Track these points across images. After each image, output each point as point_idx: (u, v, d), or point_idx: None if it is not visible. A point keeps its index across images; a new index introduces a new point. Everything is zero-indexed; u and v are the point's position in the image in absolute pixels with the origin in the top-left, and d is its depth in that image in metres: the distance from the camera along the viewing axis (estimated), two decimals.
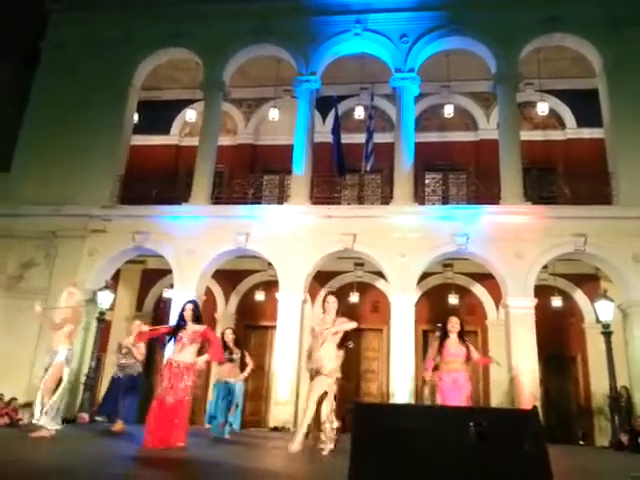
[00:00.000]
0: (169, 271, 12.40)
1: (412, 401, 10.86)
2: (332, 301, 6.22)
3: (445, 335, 7.00)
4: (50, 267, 12.04)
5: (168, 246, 12.08)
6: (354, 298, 13.53)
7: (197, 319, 6.17)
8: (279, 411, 11.00)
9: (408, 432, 2.56)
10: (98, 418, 8.78)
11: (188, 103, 14.90)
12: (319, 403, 5.95)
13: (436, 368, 7.19)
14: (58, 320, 6.58)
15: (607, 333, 10.56)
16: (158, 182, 12.99)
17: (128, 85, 13.48)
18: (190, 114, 14.29)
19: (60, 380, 6.48)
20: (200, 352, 6.24)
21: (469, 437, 2.51)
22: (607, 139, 12.39)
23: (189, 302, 6.32)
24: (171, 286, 12.54)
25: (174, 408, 5.77)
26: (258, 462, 5.65)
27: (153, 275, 14.54)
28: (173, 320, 11.24)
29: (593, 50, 12.47)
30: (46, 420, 6.21)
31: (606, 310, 10.75)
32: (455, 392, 6.68)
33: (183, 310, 6.21)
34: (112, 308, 13.31)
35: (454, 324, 6.99)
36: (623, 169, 11.49)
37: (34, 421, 6.32)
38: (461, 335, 6.97)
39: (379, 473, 2.51)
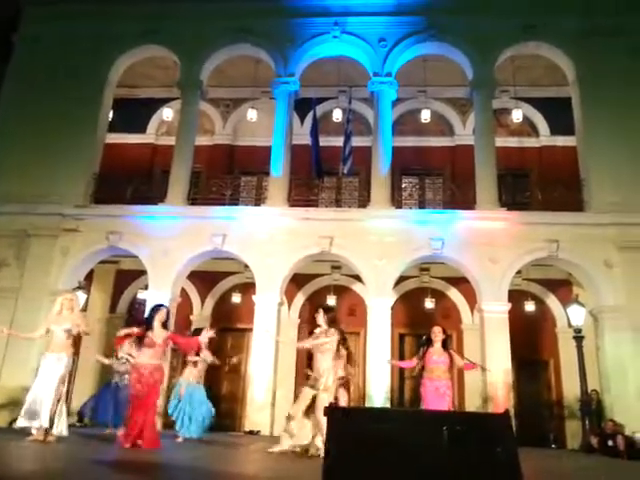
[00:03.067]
0: (144, 272, 12.22)
1: (388, 404, 10.91)
2: (322, 313, 6.59)
3: (429, 344, 7.24)
4: (21, 267, 11.75)
5: (143, 247, 11.91)
6: (331, 301, 13.54)
7: (165, 324, 6.33)
8: (255, 414, 10.93)
9: (382, 436, 2.56)
10: (82, 422, 8.53)
11: (165, 102, 14.77)
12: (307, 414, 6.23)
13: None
14: (69, 326, 6.59)
15: (579, 338, 10.74)
16: (133, 181, 12.82)
17: (104, 82, 13.25)
18: (167, 113, 14.15)
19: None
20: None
21: (442, 441, 2.52)
22: (579, 147, 12.64)
23: (163, 306, 6.47)
24: (146, 287, 12.38)
25: (146, 408, 5.92)
26: (233, 465, 5.60)
27: (127, 276, 14.32)
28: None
29: (566, 59, 12.72)
30: (61, 423, 6.38)
31: (578, 315, 10.94)
32: (437, 399, 6.92)
33: (155, 312, 6.31)
34: (85, 309, 13.10)
35: (437, 333, 7.25)
36: (594, 177, 11.72)
37: (55, 431, 6.32)
38: (445, 344, 7.17)
39: (353, 476, 2.51)
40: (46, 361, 6.55)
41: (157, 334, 6.21)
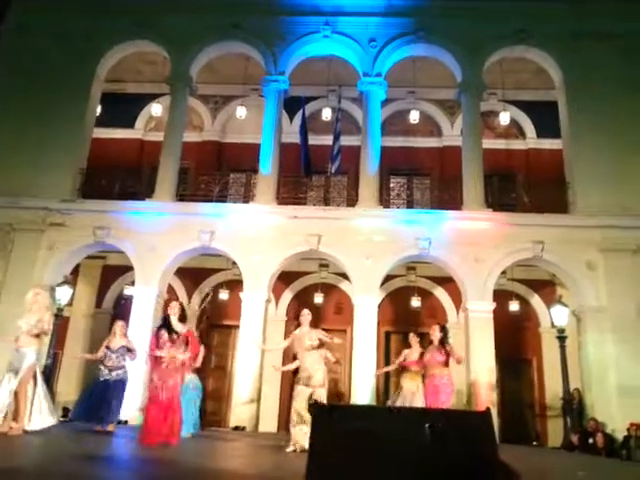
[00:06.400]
0: (130, 268, 12.18)
1: (373, 401, 11.00)
2: (306, 314, 6.88)
3: (429, 343, 7.54)
4: (6, 260, 11.66)
5: (130, 242, 11.87)
6: (318, 299, 13.60)
7: (181, 318, 6.42)
8: (240, 411, 10.95)
9: (366, 433, 2.61)
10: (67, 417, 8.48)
11: (154, 97, 14.63)
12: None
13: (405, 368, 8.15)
14: (33, 322, 6.58)
15: (562, 337, 10.91)
16: (121, 177, 12.77)
17: (92, 76, 13.15)
18: (155, 108, 14.06)
19: (35, 380, 6.61)
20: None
21: (425, 438, 2.58)
22: (565, 150, 12.79)
23: (172, 300, 6.72)
24: (132, 283, 12.33)
25: (167, 405, 6.00)
26: (221, 461, 5.64)
27: (114, 271, 14.25)
28: (134, 317, 11.17)
29: (554, 63, 12.87)
30: (41, 418, 6.39)
31: (561, 315, 11.11)
32: (436, 395, 7.09)
33: (167, 307, 6.47)
34: (71, 304, 13.02)
35: (432, 333, 7.50)
36: (579, 179, 11.89)
37: (27, 427, 6.31)
38: (442, 341, 7.35)
39: (337, 473, 2.56)
40: (14, 355, 6.55)
41: (176, 329, 6.29)
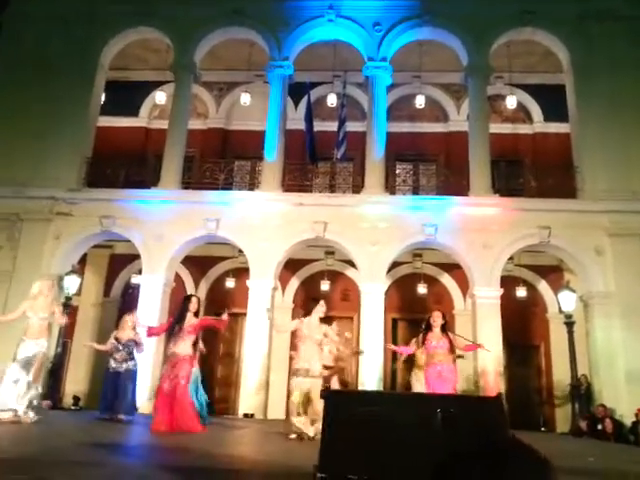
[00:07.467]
0: (137, 256, 12.20)
1: (381, 387, 11.02)
2: (322, 305, 7.02)
3: (428, 329, 7.25)
4: (14, 250, 11.70)
5: (136, 231, 11.88)
6: (324, 286, 13.60)
7: (196, 313, 6.64)
8: (249, 398, 11.01)
9: (378, 418, 2.60)
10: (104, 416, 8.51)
11: (158, 85, 14.59)
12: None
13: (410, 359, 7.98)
14: (47, 314, 6.69)
15: (569, 323, 10.88)
16: (126, 165, 12.75)
17: (96, 64, 13.09)
18: (160, 96, 14.00)
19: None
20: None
21: (436, 423, 2.56)
22: (573, 134, 12.66)
23: (193, 296, 6.83)
24: (139, 272, 12.36)
25: (179, 396, 6.15)
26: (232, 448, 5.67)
27: (121, 260, 14.29)
28: (142, 306, 11.21)
29: (561, 46, 12.69)
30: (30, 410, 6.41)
31: (568, 301, 11.07)
32: (440, 383, 6.97)
33: (188, 302, 6.57)
34: (79, 293, 13.08)
35: (436, 318, 7.27)
36: (587, 164, 11.78)
37: (21, 412, 6.33)
38: (444, 328, 7.22)
39: (349, 457, 2.56)
40: (24, 346, 6.59)
41: (189, 323, 6.46)
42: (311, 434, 6.16)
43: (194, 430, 6.11)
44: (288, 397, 7.46)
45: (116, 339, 8.35)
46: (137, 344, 8.36)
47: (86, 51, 13.03)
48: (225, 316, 6.72)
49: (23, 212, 11.86)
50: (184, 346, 6.38)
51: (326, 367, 7.37)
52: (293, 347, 12.21)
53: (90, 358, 13.38)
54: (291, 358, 7.06)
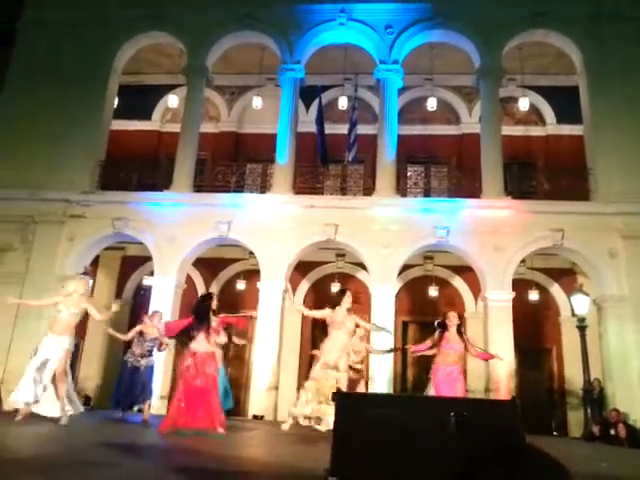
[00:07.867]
0: (149, 258, 12.29)
1: (391, 389, 11.00)
2: (348, 295, 7.15)
3: (444, 329, 7.24)
4: (28, 252, 11.83)
5: (148, 233, 11.96)
6: (335, 289, 13.57)
7: (215, 312, 6.72)
8: (259, 400, 11.03)
9: (389, 421, 2.60)
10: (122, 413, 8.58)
11: (170, 88, 14.70)
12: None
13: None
14: (77, 309, 6.75)
15: (582, 327, 10.78)
16: (139, 168, 12.84)
17: (109, 69, 13.22)
18: (172, 100, 14.10)
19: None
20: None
21: (449, 427, 2.56)
22: (586, 136, 12.57)
23: (212, 294, 6.92)
24: (151, 273, 12.43)
25: (203, 391, 6.19)
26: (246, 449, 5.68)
27: (133, 262, 14.39)
28: (153, 307, 11.25)
29: (574, 47, 12.60)
30: (51, 406, 6.48)
31: (581, 304, 10.97)
32: (449, 384, 6.92)
33: (209, 300, 6.65)
34: (91, 295, 13.17)
35: (452, 318, 7.30)
36: (601, 166, 11.67)
37: (61, 413, 6.40)
38: (459, 329, 7.21)
39: (361, 461, 2.56)
40: (47, 342, 6.59)
41: (210, 322, 6.53)
42: (300, 421, 6.37)
43: (221, 426, 6.11)
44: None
45: (140, 333, 8.42)
46: (161, 343, 8.45)
47: (99, 56, 13.16)
48: (250, 314, 6.87)
49: (37, 214, 12.00)
50: (208, 343, 6.45)
51: (353, 369, 7.46)
52: (305, 342, 12.22)
53: (101, 359, 13.49)
54: (312, 356, 7.12)
